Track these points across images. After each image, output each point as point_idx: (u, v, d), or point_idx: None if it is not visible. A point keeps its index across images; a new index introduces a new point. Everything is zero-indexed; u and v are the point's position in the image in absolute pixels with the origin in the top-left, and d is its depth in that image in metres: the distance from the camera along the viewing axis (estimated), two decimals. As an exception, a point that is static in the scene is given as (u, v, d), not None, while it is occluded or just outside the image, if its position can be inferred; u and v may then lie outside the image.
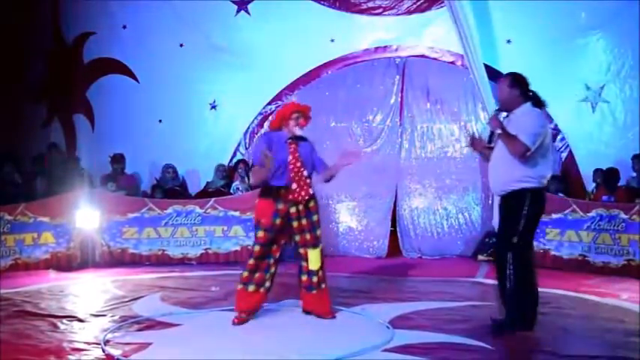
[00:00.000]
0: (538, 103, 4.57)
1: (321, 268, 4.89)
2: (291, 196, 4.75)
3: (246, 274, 4.83)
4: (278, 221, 4.76)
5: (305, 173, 4.79)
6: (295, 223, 4.81)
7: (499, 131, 4.48)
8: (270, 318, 4.92)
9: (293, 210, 4.78)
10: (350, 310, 5.15)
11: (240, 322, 4.75)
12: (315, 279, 4.87)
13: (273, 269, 4.88)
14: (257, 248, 4.80)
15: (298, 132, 4.83)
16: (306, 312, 4.96)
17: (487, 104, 7.67)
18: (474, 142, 4.89)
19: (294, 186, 4.74)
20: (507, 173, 4.47)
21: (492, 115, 4.66)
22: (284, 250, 5.02)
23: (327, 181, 5.05)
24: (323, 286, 4.91)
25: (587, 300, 5.72)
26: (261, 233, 4.78)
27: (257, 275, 4.81)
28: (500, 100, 4.68)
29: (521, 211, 4.40)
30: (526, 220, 4.42)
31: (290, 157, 4.77)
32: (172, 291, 6.02)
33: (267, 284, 4.87)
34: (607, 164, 7.70)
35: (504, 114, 4.69)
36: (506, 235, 4.50)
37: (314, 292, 4.88)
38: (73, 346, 4.23)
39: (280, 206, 4.75)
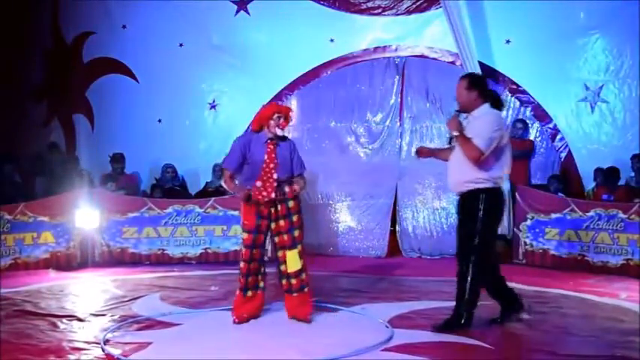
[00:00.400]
0: (496, 103, 4.58)
1: (303, 270, 4.82)
2: (259, 195, 4.70)
3: (241, 279, 4.81)
4: (261, 222, 4.77)
5: (275, 176, 4.72)
6: (273, 225, 4.81)
7: (456, 133, 4.50)
8: (270, 318, 4.92)
9: (272, 210, 4.79)
10: (350, 309, 5.15)
11: (240, 321, 4.75)
12: (294, 281, 4.79)
13: (262, 269, 4.88)
14: (244, 250, 4.82)
15: (279, 132, 4.79)
16: (291, 317, 4.83)
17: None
18: (419, 152, 4.93)
19: (258, 184, 4.70)
20: (461, 175, 4.51)
21: (451, 117, 4.63)
22: None
23: None
24: (306, 289, 4.83)
25: (586, 299, 5.72)
26: (245, 235, 4.80)
27: (250, 279, 4.81)
28: (458, 102, 4.65)
29: (477, 211, 4.45)
30: (483, 220, 4.45)
31: (265, 157, 4.76)
32: (172, 290, 6.02)
33: (262, 284, 4.87)
34: (606, 164, 7.70)
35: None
36: (466, 236, 4.51)
37: (295, 294, 4.82)
38: (72, 346, 4.23)
39: (261, 207, 4.76)
